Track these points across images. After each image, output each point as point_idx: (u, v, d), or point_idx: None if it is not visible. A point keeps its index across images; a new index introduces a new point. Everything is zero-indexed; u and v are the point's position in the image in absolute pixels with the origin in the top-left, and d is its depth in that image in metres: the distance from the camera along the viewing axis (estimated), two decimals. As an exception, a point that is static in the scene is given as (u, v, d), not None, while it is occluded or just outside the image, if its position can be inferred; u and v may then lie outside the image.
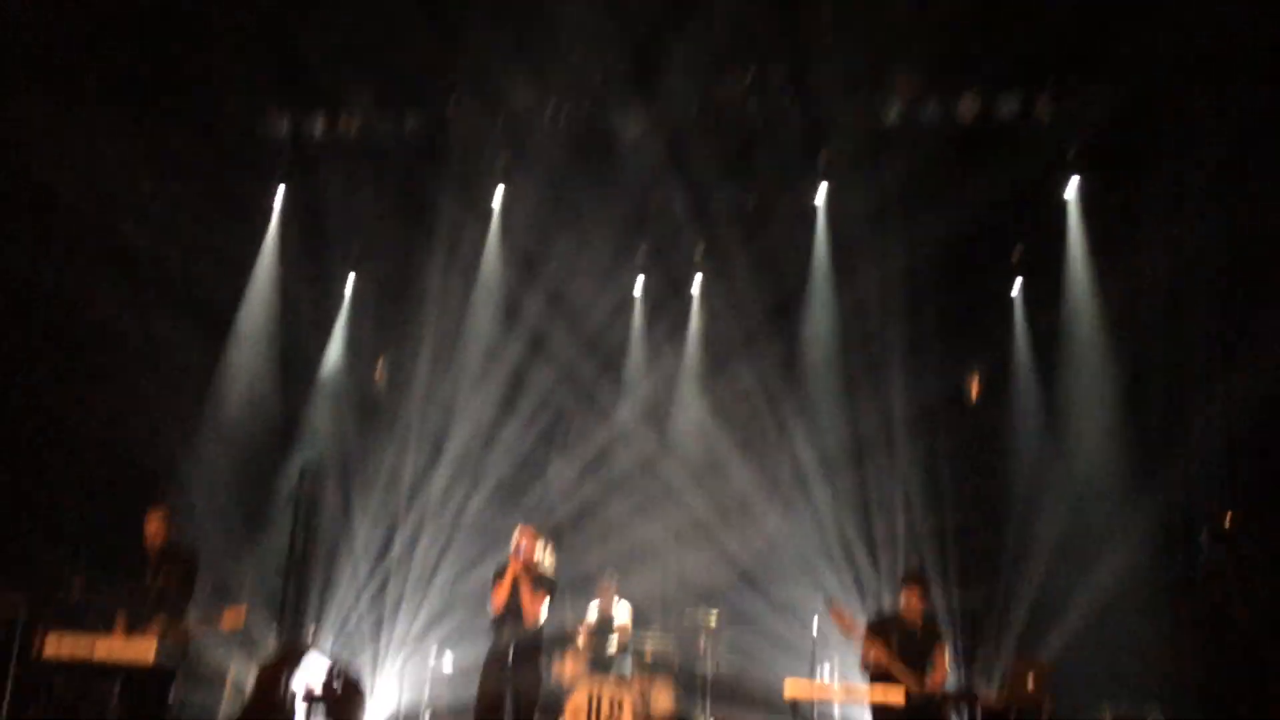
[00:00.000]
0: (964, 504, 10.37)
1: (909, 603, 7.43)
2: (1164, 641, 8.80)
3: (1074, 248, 10.24)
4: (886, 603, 9.33)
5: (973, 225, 10.28)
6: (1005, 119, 10.10)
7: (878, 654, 7.25)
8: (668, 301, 12.09)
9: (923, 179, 10.29)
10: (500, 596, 7.46)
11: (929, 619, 7.57)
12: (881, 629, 7.45)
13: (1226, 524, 7.92)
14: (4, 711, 7.60)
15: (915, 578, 7.68)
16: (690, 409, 11.87)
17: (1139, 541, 9.08)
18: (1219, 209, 8.94)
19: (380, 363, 11.81)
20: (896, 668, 7.19)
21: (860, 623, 7.60)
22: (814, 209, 11.20)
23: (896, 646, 7.27)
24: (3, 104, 8.62)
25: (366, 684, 2.17)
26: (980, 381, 10.78)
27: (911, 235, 10.46)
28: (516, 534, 7.57)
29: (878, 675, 7.32)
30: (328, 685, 2.02)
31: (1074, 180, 10.33)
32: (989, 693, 7.68)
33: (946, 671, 7.50)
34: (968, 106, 10.14)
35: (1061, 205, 10.38)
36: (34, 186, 8.94)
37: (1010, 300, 10.89)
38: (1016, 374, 10.58)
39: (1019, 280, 10.92)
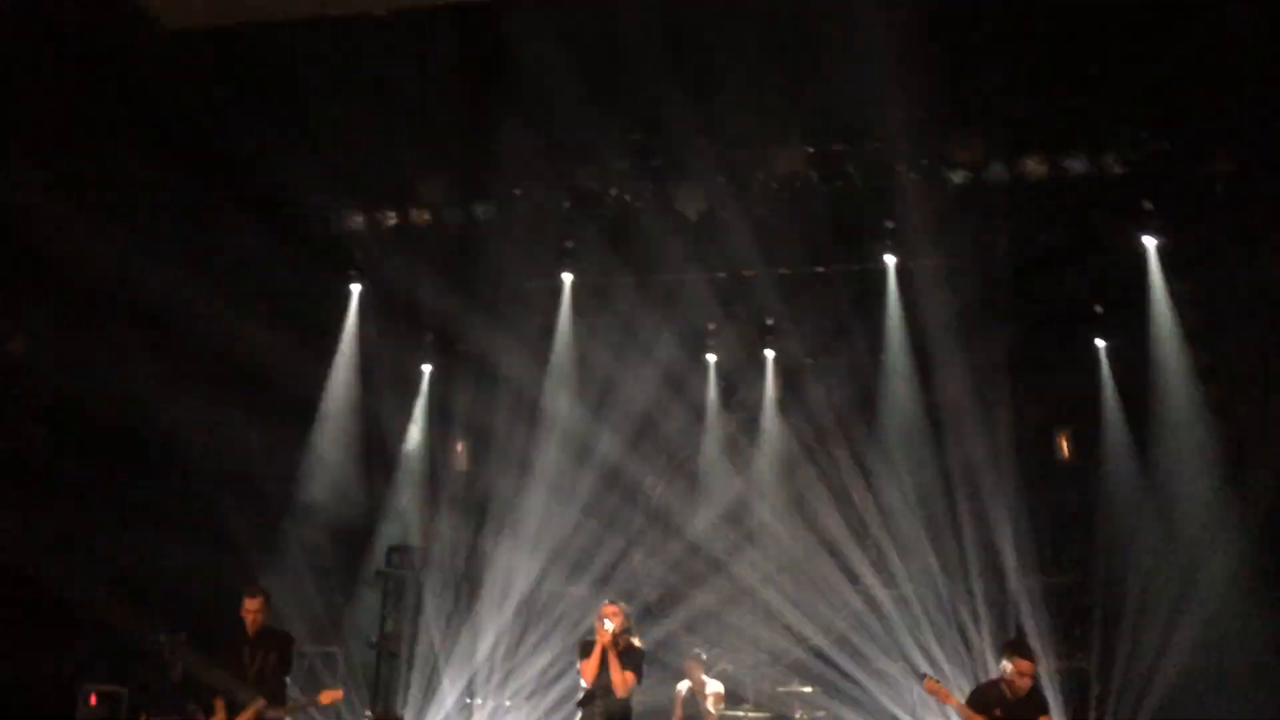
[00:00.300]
0: (1063, 565, 10.09)
1: (1012, 672, 7.10)
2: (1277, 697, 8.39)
3: (1156, 299, 10.05)
4: (988, 671, 8.99)
5: (1051, 283, 10.24)
6: (1074, 177, 10.05)
7: None
8: (741, 373, 12.10)
9: (996, 240, 10.31)
10: (589, 671, 7.38)
11: (1033, 688, 7.17)
12: (983, 701, 7.15)
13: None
14: None
15: (1017, 647, 7.33)
16: (772, 482, 11.81)
17: (1247, 596, 8.73)
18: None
19: (459, 446, 11.95)
20: None
21: (956, 693, 7.35)
22: (885, 274, 11.16)
23: (1001, 717, 6.99)
24: (75, 217, 8.86)
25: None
26: (1070, 439, 10.56)
27: (989, 295, 10.40)
28: (603, 609, 7.53)
29: None
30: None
31: (1149, 233, 10.18)
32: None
33: None
34: (1034, 167, 10.12)
35: (1140, 257, 10.21)
36: (107, 294, 9.19)
37: (1095, 356, 10.71)
38: (1106, 430, 10.34)
39: (1102, 336, 10.76)
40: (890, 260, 11.01)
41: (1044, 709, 7.19)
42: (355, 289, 11.54)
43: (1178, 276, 10.09)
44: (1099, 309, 10.63)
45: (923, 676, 7.65)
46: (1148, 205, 10.00)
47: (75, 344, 8.74)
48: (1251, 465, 9.14)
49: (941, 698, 7.27)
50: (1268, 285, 9.08)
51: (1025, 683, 7.04)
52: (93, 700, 7.88)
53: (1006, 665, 7.13)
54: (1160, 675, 8.88)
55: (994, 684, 7.30)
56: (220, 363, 9.78)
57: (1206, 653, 8.83)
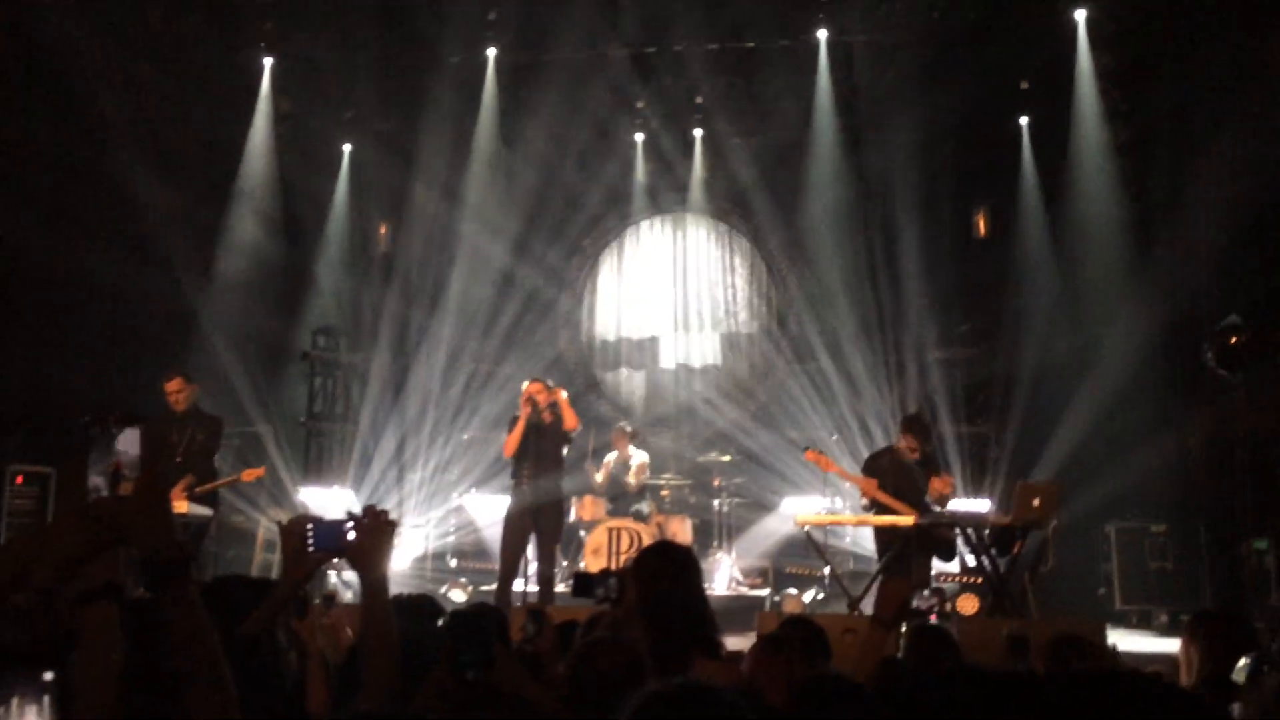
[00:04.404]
0: (972, 338, 10.45)
1: (903, 445, 7.40)
2: (1170, 460, 8.94)
3: (1082, 73, 9.99)
4: (886, 440, 9.36)
5: (978, 58, 10.13)
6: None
7: (872, 491, 7.29)
8: (669, 153, 11.95)
9: (928, 14, 10.12)
10: (511, 445, 7.66)
11: (926, 458, 7.49)
12: (876, 466, 7.49)
13: (1232, 342, 7.91)
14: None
15: (908, 423, 7.65)
16: (699, 257, 11.91)
17: (1146, 362, 9.13)
18: (1229, 31, 8.65)
19: (382, 227, 11.76)
20: (889, 501, 7.21)
21: (844, 463, 7.74)
22: (816, 51, 10.93)
23: (892, 481, 7.25)
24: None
25: (396, 521, 2.21)
26: (988, 215, 10.72)
27: (917, 70, 10.27)
28: (526, 387, 7.72)
29: (879, 510, 7.42)
30: (346, 535, 2.01)
31: (1081, 12, 10.02)
32: (997, 514, 7.80)
33: (946, 490, 7.52)
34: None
35: (1070, 30, 10.07)
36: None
37: (1018, 133, 10.72)
38: (1024, 207, 10.49)
39: (1026, 113, 10.74)
40: (822, 35, 10.82)
41: (936, 471, 7.58)
42: (268, 62, 10.99)
43: (1105, 51, 10.01)
44: (1024, 84, 10.55)
45: (804, 449, 7.93)
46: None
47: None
48: (1159, 241, 9.35)
49: (823, 466, 7.59)
50: (1191, 59, 9.02)
51: (914, 456, 7.37)
52: (19, 480, 7.91)
53: (901, 439, 7.46)
54: (1056, 440, 9.35)
55: (888, 450, 7.65)
56: (126, 138, 9.31)
57: (1102, 419, 9.29)
